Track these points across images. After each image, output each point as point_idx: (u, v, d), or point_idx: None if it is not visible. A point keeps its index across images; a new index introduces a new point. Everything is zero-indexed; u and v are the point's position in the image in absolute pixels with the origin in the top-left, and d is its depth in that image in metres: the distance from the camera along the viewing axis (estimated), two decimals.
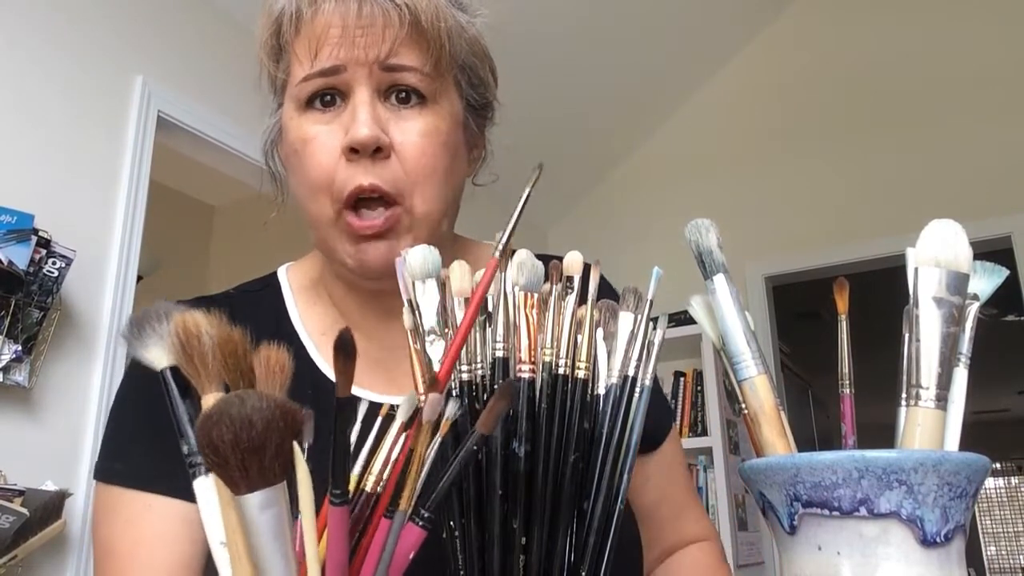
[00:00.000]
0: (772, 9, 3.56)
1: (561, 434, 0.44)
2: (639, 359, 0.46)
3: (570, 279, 0.46)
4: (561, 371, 0.44)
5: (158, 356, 0.35)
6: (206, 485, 0.33)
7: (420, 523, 0.36)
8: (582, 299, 0.47)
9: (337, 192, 0.60)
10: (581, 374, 0.45)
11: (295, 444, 0.31)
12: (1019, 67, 3.11)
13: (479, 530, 0.42)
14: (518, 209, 0.43)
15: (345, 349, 0.32)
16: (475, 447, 0.36)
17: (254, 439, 0.29)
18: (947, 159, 3.18)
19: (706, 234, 0.44)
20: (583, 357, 0.45)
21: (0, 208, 1.71)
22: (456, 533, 0.43)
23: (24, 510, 1.56)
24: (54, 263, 1.79)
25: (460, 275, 0.47)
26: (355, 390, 0.67)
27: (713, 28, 3.45)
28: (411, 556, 0.35)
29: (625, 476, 0.44)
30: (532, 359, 0.44)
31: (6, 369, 1.68)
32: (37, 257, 1.76)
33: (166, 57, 2.28)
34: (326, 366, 0.68)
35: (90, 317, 1.93)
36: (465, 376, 0.45)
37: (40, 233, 1.77)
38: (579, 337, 0.45)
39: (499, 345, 0.45)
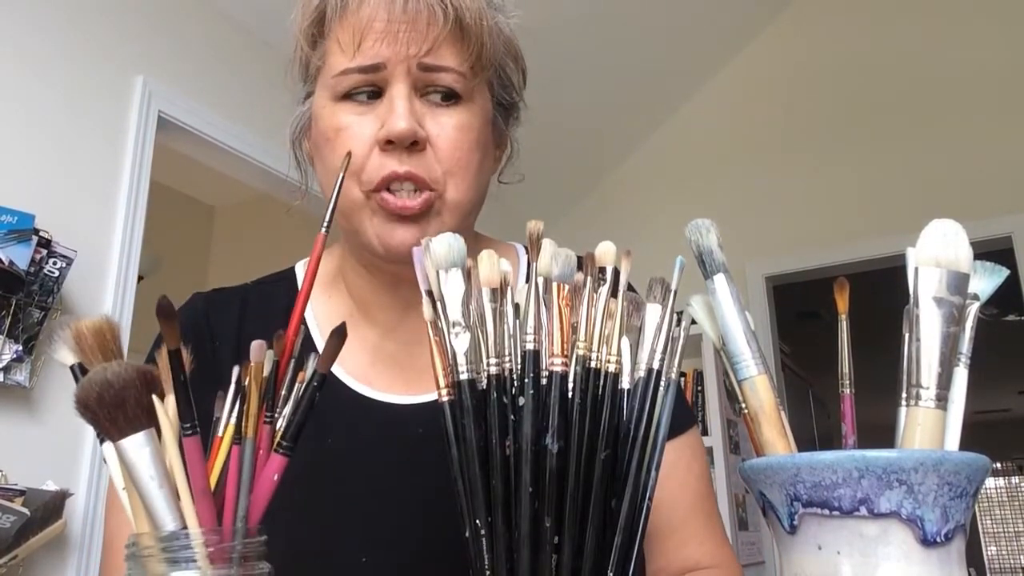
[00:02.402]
0: (771, 10, 3.56)
1: (593, 430, 0.43)
2: (664, 352, 0.45)
3: (603, 270, 0.45)
4: (593, 365, 0.43)
5: (66, 356, 0.43)
6: (108, 446, 0.41)
7: (280, 451, 0.43)
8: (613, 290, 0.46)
9: (368, 178, 0.61)
10: (612, 368, 0.44)
11: (153, 397, 0.39)
12: (1019, 67, 3.11)
13: (507, 528, 0.42)
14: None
15: None
16: (315, 384, 0.44)
17: (114, 396, 0.37)
18: (947, 159, 3.17)
19: (706, 234, 0.44)
20: (614, 350, 0.44)
21: (1, 208, 1.71)
22: (482, 532, 0.42)
23: (25, 510, 1.56)
24: (55, 263, 1.79)
25: (489, 265, 0.45)
26: (366, 390, 0.68)
27: (713, 28, 3.44)
28: (275, 479, 0.42)
29: (653, 473, 0.43)
30: (564, 352, 0.43)
31: (7, 369, 1.68)
32: (38, 257, 1.76)
33: (166, 57, 2.28)
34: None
35: (91, 317, 1.93)
36: (494, 369, 0.44)
37: (41, 233, 1.77)
38: (610, 330, 0.44)
39: (529, 338, 0.44)
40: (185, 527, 0.38)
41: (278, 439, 0.43)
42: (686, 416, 0.71)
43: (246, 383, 0.42)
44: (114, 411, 0.38)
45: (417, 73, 0.61)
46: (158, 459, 0.38)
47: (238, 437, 0.42)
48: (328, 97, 0.63)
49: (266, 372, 0.43)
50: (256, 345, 0.42)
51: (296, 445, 0.43)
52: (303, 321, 0.69)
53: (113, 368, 0.38)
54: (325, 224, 0.50)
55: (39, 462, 1.72)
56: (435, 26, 0.60)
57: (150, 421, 0.38)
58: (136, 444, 0.38)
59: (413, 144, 0.60)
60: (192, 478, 0.39)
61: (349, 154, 0.60)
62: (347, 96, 0.62)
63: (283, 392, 0.44)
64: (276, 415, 0.43)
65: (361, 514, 0.64)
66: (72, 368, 0.43)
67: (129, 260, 2.06)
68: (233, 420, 0.43)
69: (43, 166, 1.90)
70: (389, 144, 0.60)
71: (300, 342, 0.46)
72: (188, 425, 0.40)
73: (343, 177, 0.55)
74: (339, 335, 0.45)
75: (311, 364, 0.45)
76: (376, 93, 0.62)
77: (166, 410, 0.40)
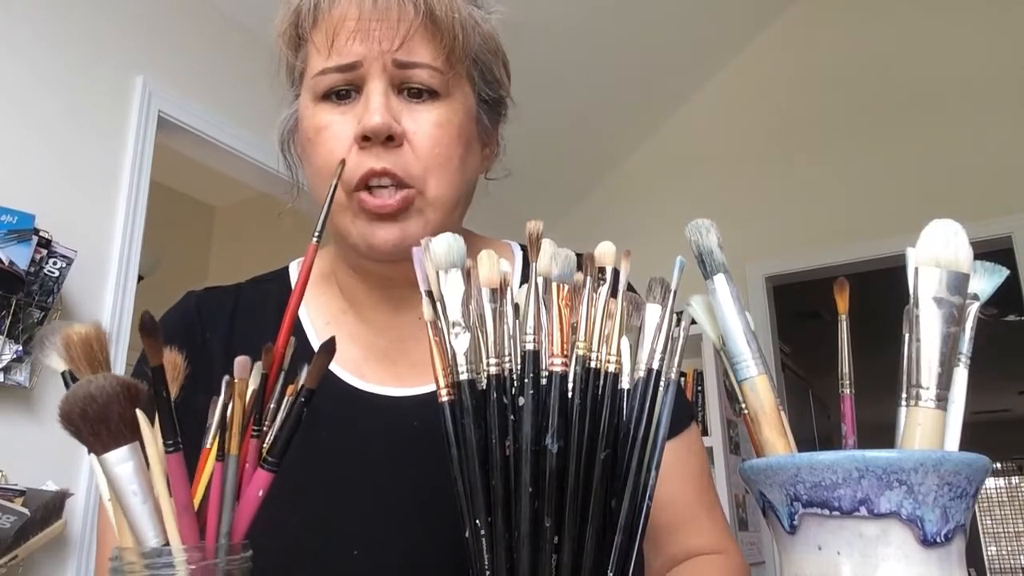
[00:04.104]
0: (772, 10, 3.56)
1: (593, 430, 0.43)
2: (664, 352, 0.45)
3: (602, 270, 0.45)
4: (593, 365, 0.43)
5: (57, 362, 0.43)
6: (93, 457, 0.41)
7: (266, 467, 0.42)
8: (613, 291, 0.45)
9: (347, 177, 0.61)
10: (612, 368, 0.44)
11: (138, 411, 0.38)
12: (1019, 67, 3.11)
13: (507, 528, 0.42)
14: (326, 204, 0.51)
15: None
16: (302, 399, 0.43)
17: (98, 410, 0.37)
18: (947, 159, 3.17)
19: (706, 234, 0.44)
20: (614, 350, 0.44)
21: (1, 208, 1.71)
22: (482, 532, 0.42)
23: (25, 510, 1.56)
24: (55, 263, 1.79)
25: (489, 265, 0.45)
26: (359, 383, 0.68)
27: (713, 28, 3.44)
28: (260, 495, 0.41)
29: (653, 472, 0.44)
30: (564, 352, 0.43)
31: (7, 369, 1.68)
32: (38, 257, 1.76)
33: (166, 57, 2.28)
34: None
35: (91, 317, 1.93)
36: (494, 370, 0.44)
37: (41, 233, 1.77)
38: (610, 330, 0.44)
39: (529, 338, 0.44)
40: (168, 543, 0.38)
41: (264, 454, 0.42)
42: (684, 414, 0.71)
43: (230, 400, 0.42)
44: (97, 425, 0.37)
45: (393, 70, 0.61)
46: (141, 474, 0.38)
47: (222, 453, 0.41)
48: (310, 98, 0.64)
49: (254, 386, 0.42)
50: (240, 361, 0.42)
51: (282, 462, 0.42)
52: (296, 320, 0.70)
53: (97, 382, 0.38)
54: (316, 234, 0.50)
55: (39, 462, 1.72)
56: (406, 20, 0.60)
57: (134, 435, 0.38)
58: (119, 458, 0.38)
59: (390, 140, 0.60)
60: (175, 494, 0.39)
61: (343, 162, 0.60)
62: (327, 96, 0.63)
63: (271, 405, 0.43)
64: (264, 428, 0.42)
65: (353, 506, 0.64)
66: (63, 375, 0.43)
67: (129, 260, 2.06)
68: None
69: (43, 166, 1.90)
70: (366, 141, 0.60)
71: (291, 352, 0.45)
72: (171, 442, 0.39)
73: (335, 185, 0.55)
74: (327, 351, 0.44)
75: (302, 376, 0.45)
76: (355, 91, 0.63)
77: (150, 425, 0.39)
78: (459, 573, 0.44)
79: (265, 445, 0.43)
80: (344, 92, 0.63)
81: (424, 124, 0.62)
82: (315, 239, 0.50)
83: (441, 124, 0.62)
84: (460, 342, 0.44)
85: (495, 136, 0.71)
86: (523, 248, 0.77)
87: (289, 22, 0.65)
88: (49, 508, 1.64)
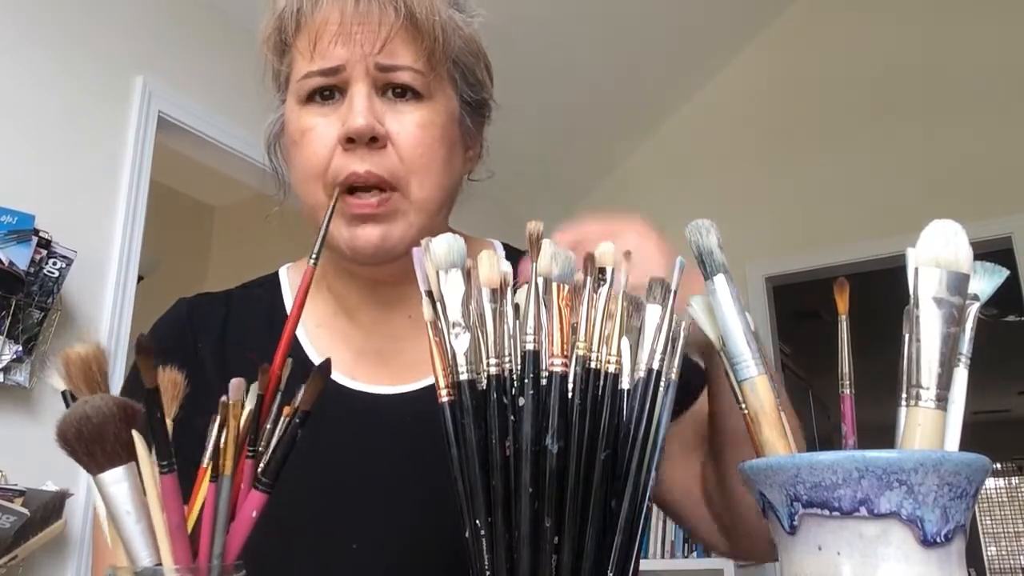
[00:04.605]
0: (771, 11, 3.56)
1: (593, 430, 0.43)
2: (664, 352, 0.45)
3: (602, 271, 0.46)
4: (593, 365, 0.43)
5: (58, 382, 0.43)
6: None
7: (260, 487, 0.42)
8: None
9: (331, 179, 0.62)
10: (612, 368, 0.44)
11: (134, 432, 0.39)
12: (1020, 67, 3.11)
13: (507, 528, 0.42)
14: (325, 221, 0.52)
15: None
16: (297, 420, 0.43)
17: (93, 430, 0.38)
18: (947, 159, 3.17)
19: (706, 234, 0.44)
20: (614, 351, 0.44)
21: (1, 208, 1.71)
22: (482, 532, 0.42)
23: (24, 510, 1.56)
24: (55, 263, 1.79)
25: (489, 265, 0.45)
26: (353, 384, 0.68)
27: (714, 28, 3.44)
28: (253, 515, 0.41)
29: (653, 472, 0.44)
30: (564, 352, 0.43)
31: (7, 369, 1.68)
32: (38, 257, 1.76)
33: (166, 57, 2.28)
34: (317, 358, 0.68)
35: (91, 317, 1.94)
36: (494, 370, 0.44)
37: (41, 233, 1.77)
38: (610, 330, 0.44)
39: (529, 338, 0.44)
40: (160, 563, 0.38)
41: (258, 475, 0.42)
42: (698, 378, 0.68)
43: (218, 422, 0.41)
44: (92, 445, 0.38)
45: (375, 73, 0.62)
46: (136, 494, 0.38)
47: (216, 474, 0.41)
48: (295, 101, 0.65)
49: (251, 406, 0.42)
50: (235, 384, 0.42)
51: (276, 483, 0.42)
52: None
53: (94, 402, 0.38)
54: (313, 257, 0.50)
55: (39, 462, 1.72)
56: (387, 23, 0.61)
57: (129, 456, 0.38)
58: (114, 479, 0.38)
59: (373, 141, 0.61)
60: (168, 515, 0.39)
61: (337, 190, 0.60)
62: (311, 99, 0.64)
63: (267, 426, 0.44)
64: (259, 449, 0.42)
65: (350, 502, 0.65)
66: (63, 394, 0.43)
67: (129, 260, 2.06)
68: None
69: (43, 166, 1.90)
70: (350, 142, 0.61)
71: (287, 373, 0.45)
72: (165, 463, 0.39)
73: (331, 212, 0.55)
74: (322, 372, 0.44)
75: (298, 397, 0.44)
76: (339, 94, 0.63)
77: (146, 446, 0.39)
78: (459, 573, 0.44)
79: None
80: (328, 93, 0.63)
81: (407, 125, 0.62)
82: (311, 262, 0.49)
83: (424, 125, 0.63)
84: (460, 342, 0.44)
85: (478, 138, 0.72)
86: (505, 246, 0.77)
87: (273, 27, 0.66)
88: (49, 508, 1.64)
